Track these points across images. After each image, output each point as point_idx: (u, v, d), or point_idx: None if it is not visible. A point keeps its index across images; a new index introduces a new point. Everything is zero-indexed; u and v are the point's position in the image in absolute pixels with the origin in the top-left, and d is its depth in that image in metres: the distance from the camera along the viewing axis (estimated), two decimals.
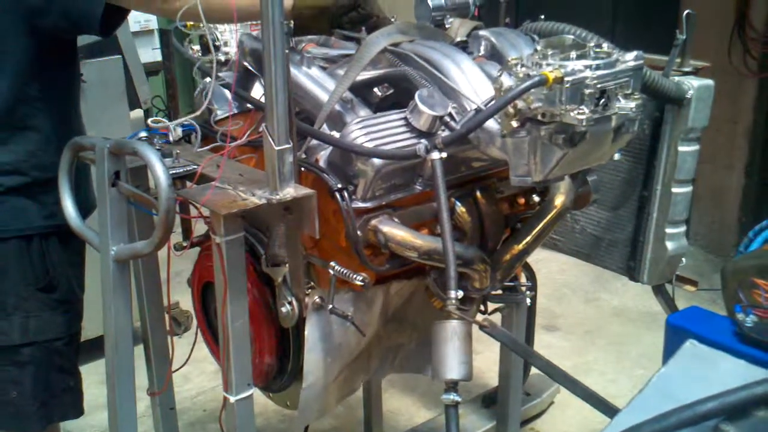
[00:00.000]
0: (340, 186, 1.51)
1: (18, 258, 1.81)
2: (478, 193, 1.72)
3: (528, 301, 2.04)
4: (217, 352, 1.86)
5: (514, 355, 2.08)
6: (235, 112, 1.92)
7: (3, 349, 1.82)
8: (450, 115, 1.54)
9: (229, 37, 2.11)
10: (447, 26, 1.90)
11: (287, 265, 1.66)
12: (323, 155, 1.60)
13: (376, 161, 1.51)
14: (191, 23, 2.13)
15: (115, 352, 1.67)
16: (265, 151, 1.45)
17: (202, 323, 1.94)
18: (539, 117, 1.43)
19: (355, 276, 1.55)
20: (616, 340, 3.59)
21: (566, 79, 1.38)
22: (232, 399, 1.61)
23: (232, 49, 2.11)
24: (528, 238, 1.74)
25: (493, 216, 1.73)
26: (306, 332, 1.65)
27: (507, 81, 1.46)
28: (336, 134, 1.58)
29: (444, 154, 1.42)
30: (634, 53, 1.50)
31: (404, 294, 1.82)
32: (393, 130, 1.55)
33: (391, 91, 1.75)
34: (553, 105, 1.41)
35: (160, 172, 1.46)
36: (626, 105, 1.47)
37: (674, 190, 2.08)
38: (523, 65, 1.46)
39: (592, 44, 1.50)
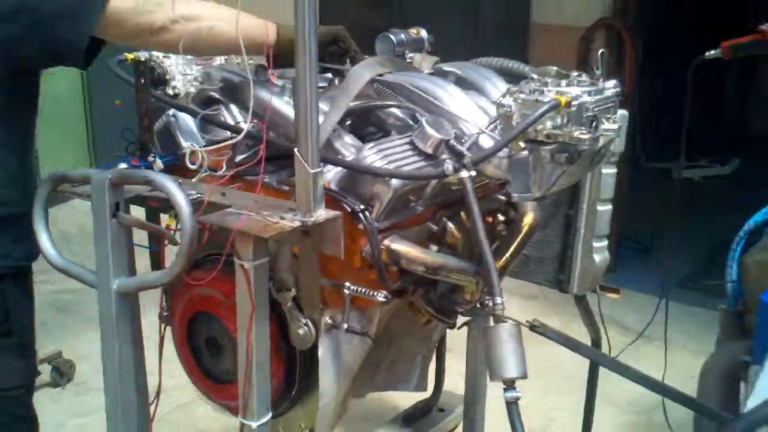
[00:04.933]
0: (363, 207, 1.56)
1: None
2: (462, 214, 1.83)
3: None
4: (208, 387, 1.83)
5: (481, 368, 2.20)
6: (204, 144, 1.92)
7: None
8: (456, 138, 1.65)
9: (176, 71, 2.09)
10: (408, 60, 2.02)
11: (293, 289, 1.68)
12: (332, 179, 1.65)
13: (395, 182, 1.58)
14: (131, 55, 2.10)
15: (119, 394, 1.60)
16: (297, 175, 1.48)
17: (188, 359, 1.88)
18: (541, 138, 1.59)
19: (375, 293, 1.60)
20: None
21: (573, 103, 1.54)
22: (254, 425, 1.60)
23: (179, 83, 2.10)
24: (507, 254, 1.88)
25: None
26: (320, 353, 1.67)
27: (512, 105, 1.60)
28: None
29: (473, 173, 1.53)
30: (613, 81, 1.70)
31: (390, 312, 1.88)
32: (402, 154, 1.64)
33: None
34: (558, 127, 1.57)
35: (182, 200, 1.45)
36: (610, 127, 1.66)
37: (599, 208, 2.31)
38: (522, 92, 1.61)
39: (574, 74, 1.68)
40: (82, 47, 1.58)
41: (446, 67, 1.96)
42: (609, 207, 2.34)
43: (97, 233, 1.55)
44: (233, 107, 1.97)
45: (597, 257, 2.37)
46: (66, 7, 1.55)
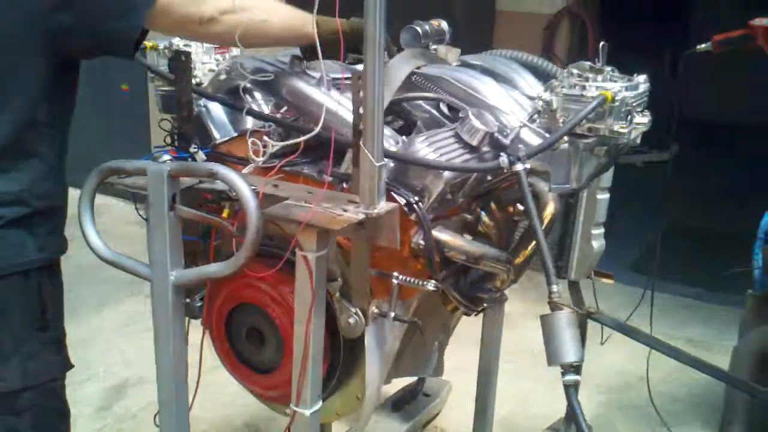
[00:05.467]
0: (416, 199, 1.61)
1: (19, 296, 1.66)
2: (492, 204, 1.90)
3: None
4: (247, 379, 1.85)
5: (494, 353, 2.28)
6: (234, 134, 1.92)
7: (2, 396, 1.65)
8: (499, 131, 1.71)
9: (197, 60, 2.08)
10: (432, 52, 2.06)
11: (339, 279, 1.71)
12: None
13: (447, 174, 1.63)
14: (150, 43, 2.09)
15: (173, 385, 1.60)
16: (361, 168, 1.51)
17: (227, 350, 1.88)
18: (582, 131, 1.66)
19: (424, 283, 1.65)
20: None
21: (616, 98, 1.62)
22: (307, 413, 1.63)
23: (199, 72, 2.09)
24: (532, 243, 1.95)
25: (505, 224, 1.92)
26: (366, 342, 1.71)
27: (554, 100, 1.67)
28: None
29: (528, 165, 1.59)
30: (643, 77, 1.78)
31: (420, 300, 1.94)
32: (450, 146, 1.68)
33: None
34: (600, 120, 1.65)
35: (247, 192, 1.46)
36: (642, 120, 1.75)
37: (598, 196, 2.42)
38: (564, 87, 1.68)
39: (608, 69, 1.76)
40: (135, 37, 1.56)
41: (470, 59, 2.00)
42: (607, 195, 2.45)
43: (153, 225, 1.54)
44: (257, 96, 1.98)
45: (595, 244, 2.47)
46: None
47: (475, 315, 2.16)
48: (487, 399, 2.38)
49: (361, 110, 1.51)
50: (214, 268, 1.53)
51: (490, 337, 2.33)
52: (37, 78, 1.56)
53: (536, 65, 2.10)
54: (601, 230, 2.47)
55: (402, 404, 3.08)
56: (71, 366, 1.80)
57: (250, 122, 1.98)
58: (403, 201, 1.62)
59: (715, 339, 3.99)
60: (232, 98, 1.90)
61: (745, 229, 2.60)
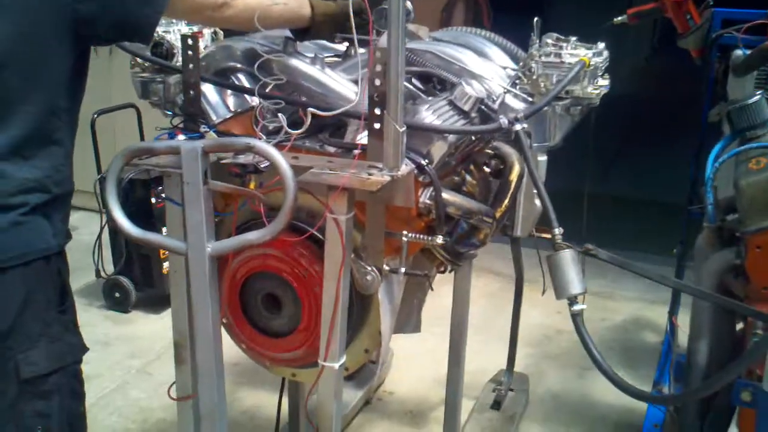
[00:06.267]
0: (426, 162, 1.76)
1: (42, 281, 1.69)
2: (471, 166, 2.08)
3: None
4: (256, 349, 1.94)
5: (464, 307, 2.48)
6: (234, 112, 2.00)
7: (31, 380, 1.68)
8: (487, 96, 1.89)
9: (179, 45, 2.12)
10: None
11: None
12: None
13: (452, 138, 1.79)
14: None
15: (213, 355, 1.68)
16: (385, 134, 1.64)
17: (242, 320, 1.96)
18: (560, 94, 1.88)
19: (433, 238, 1.81)
20: None
21: (591, 62, 1.85)
22: (336, 366, 1.75)
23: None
24: (506, 202, 2.15)
25: (485, 183, 2.11)
26: (380, 296, 1.85)
27: (534, 66, 1.88)
28: None
29: (525, 125, 1.78)
30: (603, 44, 2.02)
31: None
32: (448, 113, 1.85)
33: None
34: (575, 83, 1.86)
35: (284, 164, 1.56)
36: (604, 83, 1.98)
37: (539, 158, 2.65)
38: (543, 55, 1.89)
39: (573, 39, 1.98)
40: (156, 23, 1.62)
41: (439, 35, 2.17)
42: (545, 158, 2.69)
43: (189, 201, 1.61)
44: (241, 76, 2.06)
45: (537, 202, 2.71)
46: None
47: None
48: (459, 350, 2.57)
49: (377, 81, 1.65)
50: (254, 235, 1.62)
51: (461, 290, 2.53)
52: (62, 67, 1.59)
53: (493, 39, 2.29)
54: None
55: (353, 373, 3.22)
56: (87, 348, 1.83)
57: (233, 102, 2.07)
58: (413, 164, 1.77)
59: (614, 289, 4.40)
60: (224, 79, 1.98)
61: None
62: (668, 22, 2.83)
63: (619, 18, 2.80)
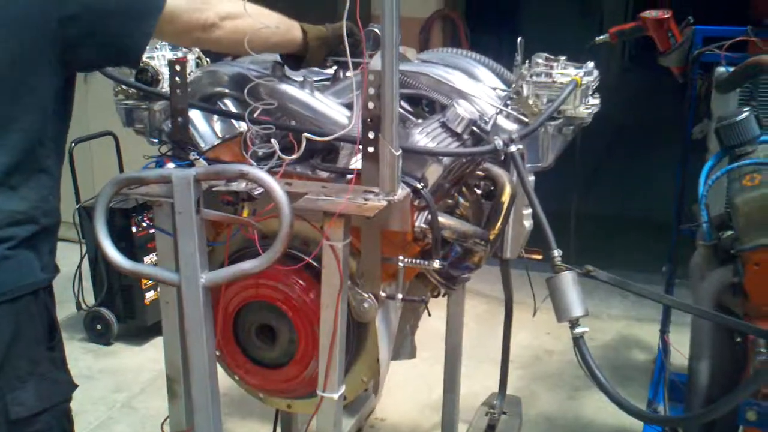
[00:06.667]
0: (422, 185, 1.74)
1: (31, 317, 1.63)
2: (464, 188, 2.06)
3: None
4: (249, 380, 1.89)
5: (458, 331, 2.44)
6: (222, 138, 1.97)
7: (20, 421, 1.62)
8: (481, 118, 1.87)
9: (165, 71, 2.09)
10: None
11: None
12: None
13: (446, 160, 1.77)
14: None
15: (209, 386, 1.64)
16: (381, 158, 1.62)
17: (235, 351, 1.91)
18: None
19: (429, 263, 1.78)
20: None
21: (582, 81, 1.84)
22: (335, 396, 1.71)
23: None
24: (499, 223, 2.12)
25: (476, 205, 2.09)
26: (377, 324, 1.81)
27: (524, 87, 1.87)
28: None
29: (521, 146, 1.76)
30: (592, 63, 2.01)
31: None
32: (441, 135, 1.83)
33: None
34: (567, 103, 1.85)
35: (279, 190, 1.53)
36: (595, 102, 1.98)
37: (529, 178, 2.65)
38: (534, 75, 1.88)
39: (562, 58, 1.98)
40: (144, 46, 1.58)
41: (426, 56, 2.16)
42: (533, 177, 2.68)
43: (181, 230, 1.57)
44: (228, 102, 2.03)
45: (526, 223, 2.70)
46: (133, 10, 1.55)
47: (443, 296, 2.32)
48: (455, 375, 2.54)
49: (370, 105, 1.62)
50: (249, 265, 1.58)
51: (455, 315, 2.50)
52: (49, 93, 1.55)
53: (481, 60, 2.28)
54: (530, 211, 2.69)
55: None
56: (76, 386, 1.77)
57: (220, 128, 2.03)
58: (408, 188, 1.74)
59: (602, 308, 4.39)
60: (211, 105, 1.95)
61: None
62: (639, 41, 2.85)
63: (601, 37, 2.81)
